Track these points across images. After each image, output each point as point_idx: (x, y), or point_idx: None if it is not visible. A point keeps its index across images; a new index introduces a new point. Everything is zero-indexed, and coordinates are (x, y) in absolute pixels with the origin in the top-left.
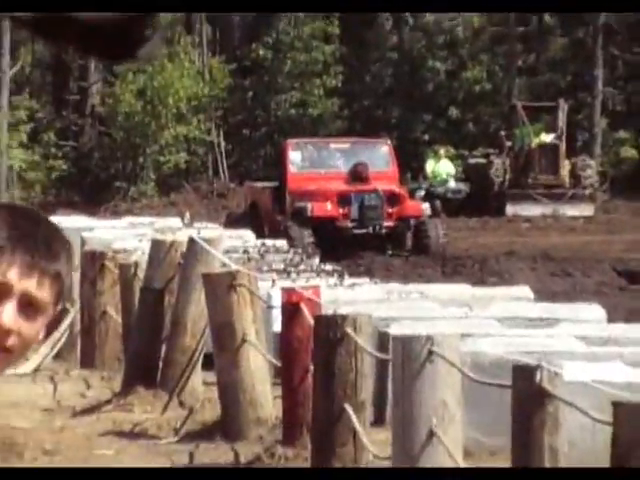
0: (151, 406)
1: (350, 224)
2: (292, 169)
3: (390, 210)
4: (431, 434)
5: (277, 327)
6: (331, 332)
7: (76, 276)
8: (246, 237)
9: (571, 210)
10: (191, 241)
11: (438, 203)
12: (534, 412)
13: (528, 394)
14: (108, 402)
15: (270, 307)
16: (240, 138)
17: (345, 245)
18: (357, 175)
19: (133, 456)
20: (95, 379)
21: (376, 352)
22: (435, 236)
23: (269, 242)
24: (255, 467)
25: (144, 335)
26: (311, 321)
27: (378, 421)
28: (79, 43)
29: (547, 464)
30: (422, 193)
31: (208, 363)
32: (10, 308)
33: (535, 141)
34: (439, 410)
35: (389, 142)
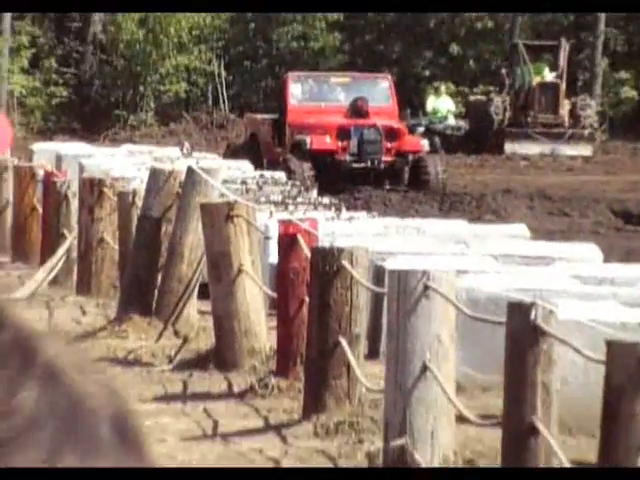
0: (146, 334)
1: (349, 158)
2: (292, 102)
3: (389, 145)
4: (424, 368)
5: (273, 258)
6: (327, 264)
7: (74, 203)
8: (245, 168)
9: (569, 150)
10: (190, 171)
11: (437, 139)
12: (528, 349)
13: (522, 331)
14: (103, 329)
15: (267, 238)
16: (241, 69)
17: (343, 179)
18: (357, 109)
19: (126, 383)
20: (91, 306)
21: (372, 286)
22: (434, 172)
23: (267, 174)
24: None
25: (140, 263)
26: (308, 253)
27: (372, 354)
28: None
29: (539, 401)
30: (421, 129)
31: (204, 292)
32: None
33: (536, 80)
34: (433, 345)
35: (389, 77)
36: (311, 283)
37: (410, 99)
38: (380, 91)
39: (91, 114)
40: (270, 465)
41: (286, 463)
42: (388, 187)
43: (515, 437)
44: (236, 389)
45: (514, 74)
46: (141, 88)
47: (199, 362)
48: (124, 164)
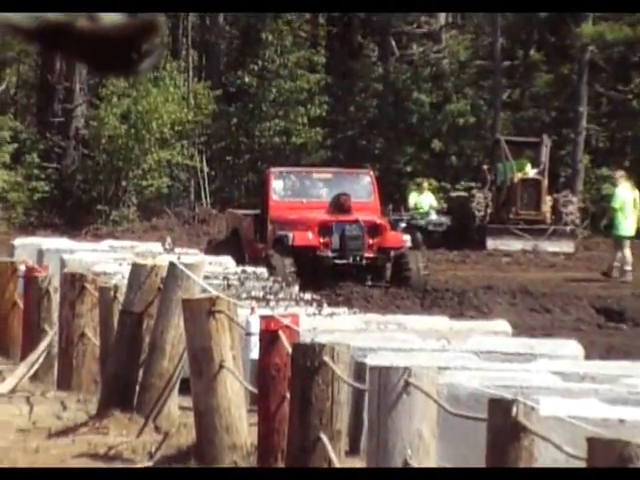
0: (126, 429)
1: (331, 254)
2: (274, 197)
3: (371, 241)
4: (406, 465)
5: (255, 354)
6: (308, 360)
7: (56, 298)
8: (226, 264)
9: (551, 246)
10: (171, 266)
11: (419, 235)
12: (509, 446)
13: (503, 428)
14: (84, 424)
15: (248, 334)
16: (223, 164)
17: (325, 275)
18: (339, 205)
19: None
20: (71, 401)
21: (353, 382)
22: (415, 268)
23: (249, 269)
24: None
25: (122, 358)
26: (289, 349)
27: (353, 451)
28: (81, 55)
29: None
30: (403, 225)
31: (185, 388)
32: None
33: (517, 176)
34: (414, 441)
35: (371, 173)
36: (292, 379)
37: (392, 194)
38: (362, 186)
39: (73, 209)
40: None
41: None
42: (370, 283)
43: None
44: None
45: (496, 170)
46: (123, 183)
47: (180, 458)
48: (106, 259)
